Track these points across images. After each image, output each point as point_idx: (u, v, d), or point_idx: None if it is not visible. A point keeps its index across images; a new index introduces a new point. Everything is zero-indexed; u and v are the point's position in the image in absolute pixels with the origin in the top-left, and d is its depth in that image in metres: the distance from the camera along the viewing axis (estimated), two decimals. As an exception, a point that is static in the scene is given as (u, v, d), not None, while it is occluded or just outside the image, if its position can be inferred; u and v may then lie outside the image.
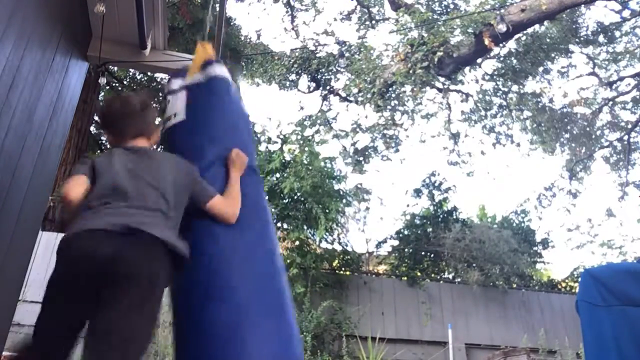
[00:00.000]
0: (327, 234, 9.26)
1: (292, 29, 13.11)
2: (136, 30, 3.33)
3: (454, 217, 11.40)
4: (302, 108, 12.38)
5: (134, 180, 1.74)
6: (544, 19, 10.22)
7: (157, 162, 1.86)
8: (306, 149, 9.34)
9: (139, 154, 1.87)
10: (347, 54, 10.91)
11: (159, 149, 2.25)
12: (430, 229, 11.20)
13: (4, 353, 2.51)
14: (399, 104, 11.01)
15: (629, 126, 12.67)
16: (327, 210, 8.57)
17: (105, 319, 1.49)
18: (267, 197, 8.87)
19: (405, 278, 10.10)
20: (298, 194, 8.82)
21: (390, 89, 10.54)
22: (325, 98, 12.34)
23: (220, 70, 2.34)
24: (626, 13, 11.82)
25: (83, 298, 1.55)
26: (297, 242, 8.76)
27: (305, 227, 8.62)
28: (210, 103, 2.21)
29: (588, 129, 12.88)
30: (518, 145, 12.66)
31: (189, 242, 1.74)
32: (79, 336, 1.58)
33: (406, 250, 11.33)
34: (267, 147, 9.47)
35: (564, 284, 12.21)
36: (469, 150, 12.72)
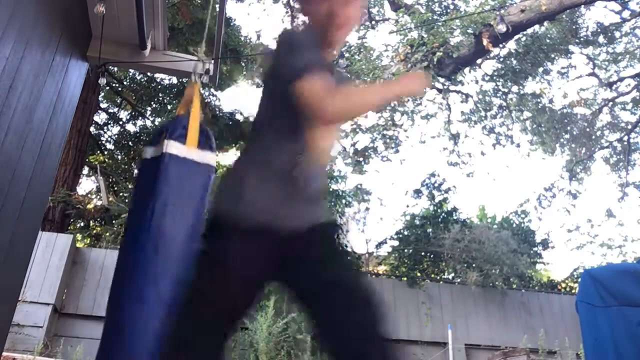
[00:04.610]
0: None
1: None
2: (136, 31, 3.32)
3: (454, 217, 11.40)
4: (301, 108, 12.36)
5: None
6: (544, 19, 10.21)
7: None
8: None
9: None
10: (346, 55, 10.89)
11: None
12: (430, 230, 11.20)
13: (4, 353, 2.51)
14: (398, 105, 11.00)
15: (629, 127, 12.67)
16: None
17: None
18: None
19: (405, 278, 10.09)
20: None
21: (389, 89, 10.51)
22: (325, 98, 12.31)
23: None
24: (626, 14, 11.82)
25: None
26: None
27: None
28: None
29: (588, 129, 12.87)
30: (518, 145, 12.65)
31: None
32: None
33: (406, 250, 11.33)
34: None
35: (563, 285, 12.21)
36: (469, 151, 12.73)
